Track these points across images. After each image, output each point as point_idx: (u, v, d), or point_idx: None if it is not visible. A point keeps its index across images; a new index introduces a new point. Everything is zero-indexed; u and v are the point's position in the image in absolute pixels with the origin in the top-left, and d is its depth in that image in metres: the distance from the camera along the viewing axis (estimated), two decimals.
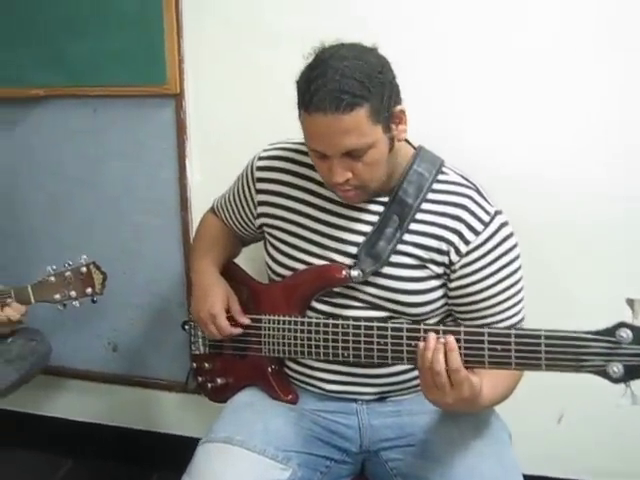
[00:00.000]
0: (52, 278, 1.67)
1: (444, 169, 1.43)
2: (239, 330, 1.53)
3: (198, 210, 1.94)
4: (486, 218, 1.36)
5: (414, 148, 1.45)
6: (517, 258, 1.39)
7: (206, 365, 1.66)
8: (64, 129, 2.08)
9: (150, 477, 2.27)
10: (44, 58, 1.99)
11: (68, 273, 1.67)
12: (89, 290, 1.68)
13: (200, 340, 1.67)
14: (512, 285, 1.39)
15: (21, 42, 2.00)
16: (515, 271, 1.39)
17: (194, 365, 1.69)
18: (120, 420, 2.32)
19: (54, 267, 1.67)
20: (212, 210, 1.72)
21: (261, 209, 1.53)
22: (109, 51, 1.93)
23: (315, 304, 1.46)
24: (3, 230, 2.22)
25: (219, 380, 1.63)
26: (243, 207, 1.57)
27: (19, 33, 2.00)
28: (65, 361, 2.24)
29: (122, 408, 2.31)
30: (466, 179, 1.42)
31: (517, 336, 1.22)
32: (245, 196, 1.56)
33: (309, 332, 1.43)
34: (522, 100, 1.72)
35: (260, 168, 1.52)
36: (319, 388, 1.50)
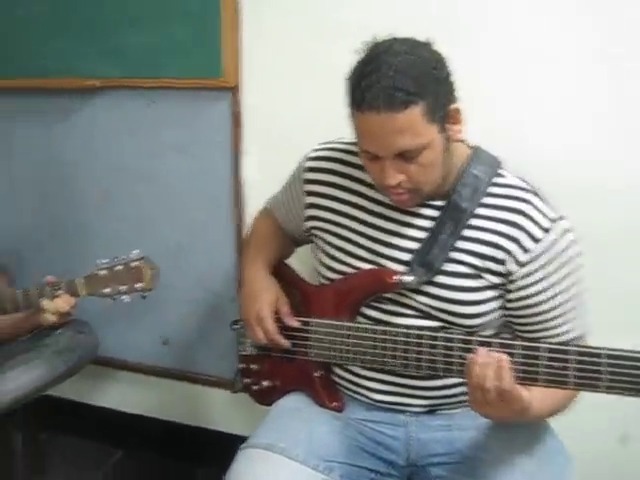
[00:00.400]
0: (103, 272, 1.64)
1: (502, 171, 1.35)
2: (286, 342, 1.49)
3: (252, 206, 1.91)
4: (547, 224, 1.28)
5: (470, 148, 1.37)
6: (580, 267, 1.31)
7: (253, 367, 1.62)
8: (120, 121, 2.07)
9: (195, 473, 2.25)
10: (102, 49, 1.99)
11: (119, 267, 1.64)
12: (139, 285, 1.65)
13: (248, 341, 1.63)
14: (574, 296, 1.31)
15: (80, 33, 2.00)
16: (578, 281, 1.31)
17: (241, 366, 1.66)
18: (168, 414, 2.32)
19: (105, 260, 1.65)
20: (265, 209, 1.68)
21: (309, 211, 1.48)
22: (166, 43, 1.91)
23: (365, 310, 1.41)
24: (58, 221, 2.23)
25: (265, 383, 1.59)
26: (293, 208, 1.53)
27: (78, 24, 2.00)
28: (117, 353, 2.24)
29: (171, 402, 2.30)
30: (525, 182, 1.34)
31: (577, 353, 1.15)
32: (294, 197, 1.52)
33: (357, 338, 1.39)
34: (592, 100, 1.63)
35: (309, 169, 1.47)
36: (367, 397, 1.44)
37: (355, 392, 1.46)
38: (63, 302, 1.64)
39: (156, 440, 2.32)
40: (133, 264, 1.64)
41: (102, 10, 1.96)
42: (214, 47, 1.86)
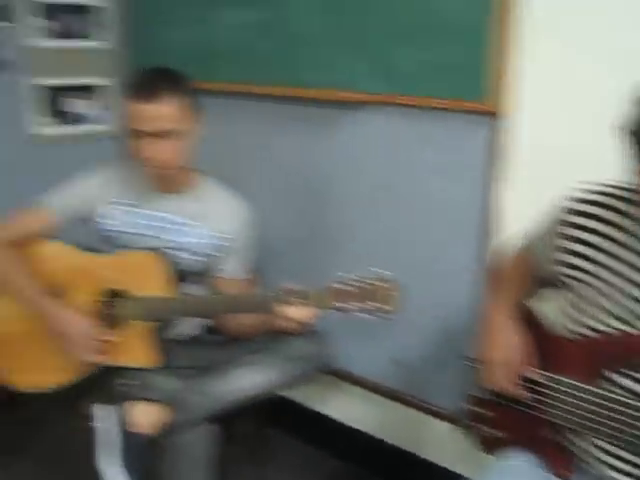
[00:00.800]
0: (348, 287, 1.64)
1: None
2: (522, 394, 1.39)
3: (502, 237, 1.83)
4: None
5: None
6: None
7: (481, 410, 1.54)
8: (378, 137, 2.08)
9: None
10: (369, 63, 2.01)
11: (365, 285, 1.63)
12: (383, 306, 1.63)
13: (480, 382, 1.54)
14: None
15: (350, 46, 2.04)
16: None
17: (468, 406, 1.58)
18: (387, 434, 2.30)
19: (350, 275, 1.65)
20: (517, 246, 1.58)
21: (561, 256, 1.36)
22: (432, 62, 1.89)
23: (617, 377, 1.27)
24: (309, 231, 2.31)
25: (490, 431, 1.50)
26: (546, 250, 1.42)
27: (350, 37, 2.04)
28: (347, 366, 2.26)
29: (391, 423, 2.28)
30: None
31: None
32: (549, 238, 1.40)
33: (605, 408, 1.26)
34: None
35: (572, 212, 1.35)
36: (599, 471, 1.30)
37: (587, 463, 1.33)
38: (305, 312, 1.67)
39: (372, 457, 2.31)
40: (380, 284, 1.62)
41: (373, 24, 1.98)
42: (478, 69, 1.80)
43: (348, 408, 2.39)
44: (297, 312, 1.67)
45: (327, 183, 2.23)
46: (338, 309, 1.65)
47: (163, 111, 1.70)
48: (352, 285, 1.64)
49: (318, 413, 2.47)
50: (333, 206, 2.24)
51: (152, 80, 1.74)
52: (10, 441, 2.49)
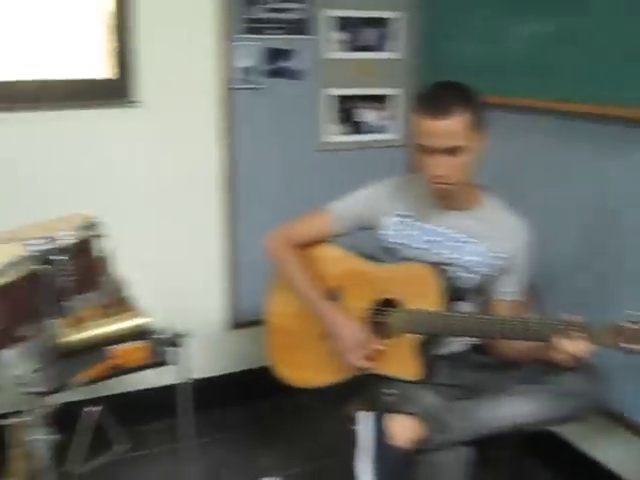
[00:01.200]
0: (631, 325, 1.54)
1: None
2: None
3: None
4: None
5: None
6: None
7: None
8: None
9: None
10: None
11: None
12: None
13: None
14: None
15: None
16: None
17: None
18: None
19: (638, 313, 1.54)
20: None
21: None
22: None
23: None
24: (595, 257, 2.15)
25: None
26: None
27: None
28: (623, 408, 2.09)
29: None
30: None
31: None
32: None
33: None
34: None
35: None
36: None
37: None
38: (581, 345, 1.59)
39: None
40: None
41: None
42: None
43: (616, 453, 2.20)
44: (574, 345, 1.59)
45: (617, 207, 2.07)
46: (622, 349, 1.55)
47: (453, 128, 1.68)
48: (636, 323, 1.54)
49: (583, 452, 2.31)
50: (623, 232, 2.06)
51: (443, 95, 1.72)
52: (274, 426, 2.66)
